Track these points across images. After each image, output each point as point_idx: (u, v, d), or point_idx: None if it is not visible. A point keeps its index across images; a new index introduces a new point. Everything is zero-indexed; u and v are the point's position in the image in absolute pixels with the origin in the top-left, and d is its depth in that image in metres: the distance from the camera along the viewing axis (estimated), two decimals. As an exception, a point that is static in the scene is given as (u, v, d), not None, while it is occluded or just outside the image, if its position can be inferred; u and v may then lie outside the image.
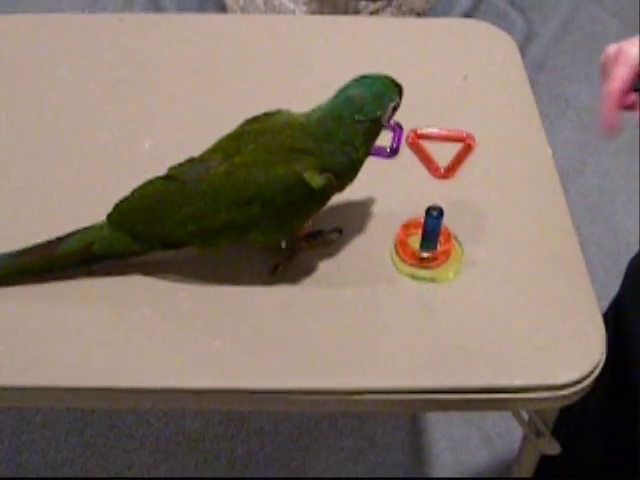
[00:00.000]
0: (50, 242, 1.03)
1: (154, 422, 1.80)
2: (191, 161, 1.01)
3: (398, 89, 1.02)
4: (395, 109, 1.03)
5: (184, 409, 1.77)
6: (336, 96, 1.01)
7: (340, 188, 1.02)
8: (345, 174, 1.01)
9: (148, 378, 0.95)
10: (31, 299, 1.01)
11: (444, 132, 1.22)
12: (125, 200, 1.02)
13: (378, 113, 1.00)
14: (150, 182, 1.01)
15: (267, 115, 1.02)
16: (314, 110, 1.01)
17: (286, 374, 0.95)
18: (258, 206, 0.97)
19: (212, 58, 1.35)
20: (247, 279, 1.03)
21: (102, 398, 0.96)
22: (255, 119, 1.02)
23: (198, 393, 0.95)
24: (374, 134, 1.02)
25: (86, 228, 1.03)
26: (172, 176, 1.00)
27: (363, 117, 0.99)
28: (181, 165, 1.01)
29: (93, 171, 1.15)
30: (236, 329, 0.99)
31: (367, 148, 1.01)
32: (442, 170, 1.16)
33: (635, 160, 2.38)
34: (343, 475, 1.73)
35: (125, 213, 1.02)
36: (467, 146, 1.20)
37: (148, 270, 1.04)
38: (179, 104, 1.26)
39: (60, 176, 1.15)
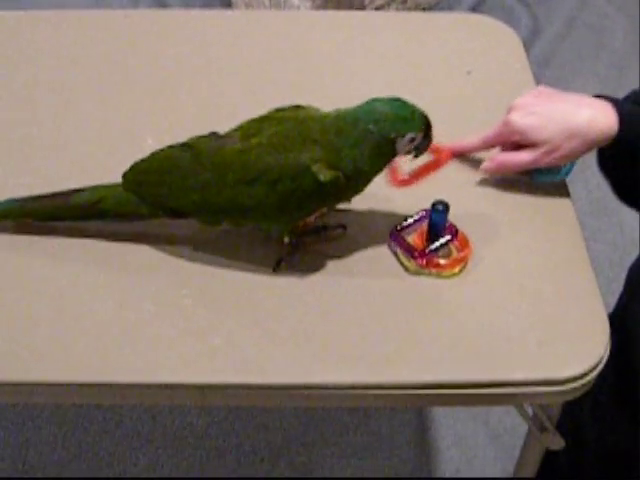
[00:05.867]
0: (65, 192, 1.07)
1: (160, 418, 1.80)
2: (212, 135, 1.02)
3: (425, 127, 1.00)
4: (413, 143, 1.00)
5: (189, 405, 1.77)
6: (364, 103, 1.00)
7: (345, 196, 1.02)
8: (351, 180, 0.99)
9: (151, 374, 0.95)
10: (33, 292, 1.02)
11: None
12: (142, 161, 1.04)
13: (392, 135, 0.98)
14: (168, 147, 1.03)
15: (296, 107, 1.03)
16: (339, 110, 1.01)
17: (290, 369, 0.95)
18: (262, 188, 0.97)
19: (217, 54, 1.35)
20: (250, 274, 1.03)
21: (105, 394, 0.96)
22: (283, 108, 1.03)
23: (201, 388, 0.95)
24: (384, 154, 0.99)
25: (101, 185, 1.06)
26: (189, 144, 1.02)
27: (375, 129, 0.97)
28: (202, 137, 1.03)
29: (96, 166, 1.15)
30: (239, 324, 0.99)
31: (374, 165, 1.00)
32: (405, 177, 1.13)
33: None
34: (349, 471, 1.74)
35: (139, 173, 1.04)
36: (437, 160, 1.15)
37: (151, 265, 1.05)
38: (183, 100, 1.27)
39: (62, 170, 1.15)
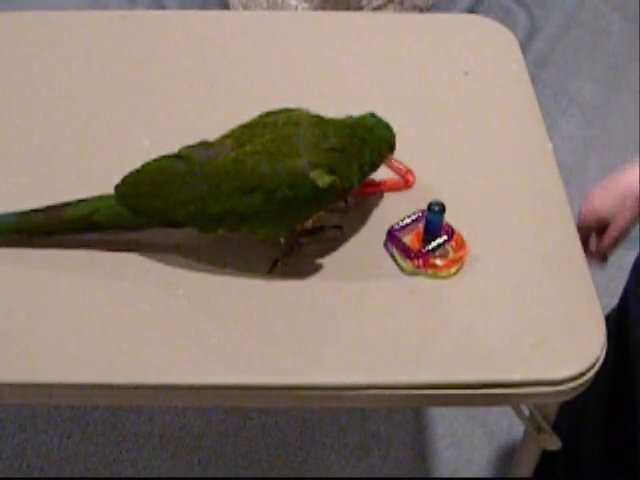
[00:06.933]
0: (58, 205, 1.06)
1: (157, 419, 1.80)
2: (204, 144, 1.02)
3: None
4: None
5: (186, 406, 1.77)
6: (365, 115, 1.07)
7: (342, 197, 1.04)
8: (347, 182, 1.01)
9: (147, 374, 0.95)
10: (30, 293, 1.02)
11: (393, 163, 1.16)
12: (134, 173, 1.03)
13: (392, 143, 1.08)
14: (160, 158, 1.02)
15: (286, 110, 1.03)
16: (337, 118, 1.04)
17: (285, 370, 0.95)
18: (260, 196, 0.97)
19: (214, 55, 1.35)
20: (246, 275, 1.03)
21: (100, 394, 0.96)
22: (273, 112, 1.03)
23: (197, 389, 0.95)
24: (382, 160, 1.08)
25: (94, 197, 1.05)
26: (182, 155, 1.01)
27: (390, 136, 1.07)
28: (193, 146, 1.02)
29: (93, 167, 1.15)
30: (235, 325, 0.99)
31: (369, 169, 1.06)
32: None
33: (637, 155, 2.37)
34: (346, 471, 1.74)
35: (131, 185, 1.03)
36: (405, 182, 1.15)
37: (147, 266, 1.05)
38: (181, 101, 1.26)
39: (59, 172, 1.15)
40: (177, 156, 1.01)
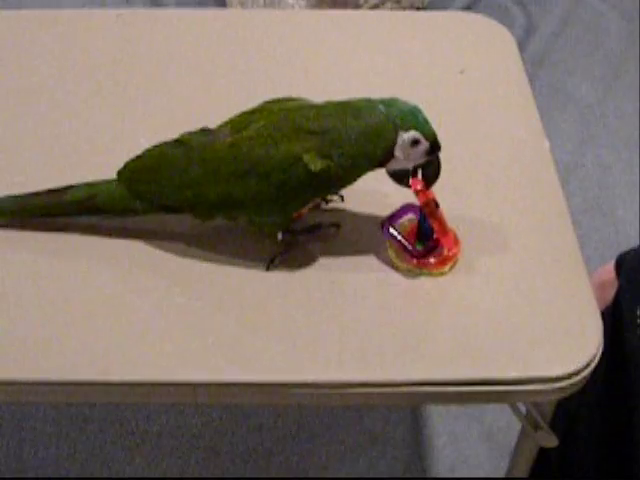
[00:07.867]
0: (59, 188, 1.07)
1: (155, 418, 1.80)
2: (203, 130, 1.03)
3: (433, 142, 0.97)
4: (416, 149, 0.96)
5: (183, 404, 1.77)
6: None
7: (338, 185, 1.02)
8: (344, 168, 0.99)
9: (143, 372, 0.95)
10: (24, 288, 1.02)
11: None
12: (136, 158, 1.04)
13: (397, 121, 0.96)
14: (161, 144, 1.04)
15: (286, 98, 1.04)
16: (333, 102, 1.01)
17: (283, 367, 0.95)
18: (254, 180, 0.98)
19: (211, 53, 1.35)
20: (243, 272, 1.03)
21: (96, 392, 0.96)
22: (274, 100, 1.04)
23: (193, 386, 0.95)
24: (382, 140, 0.96)
25: (95, 181, 1.06)
26: (181, 141, 1.02)
27: (383, 110, 0.96)
28: (192, 133, 1.03)
29: (89, 165, 1.15)
30: (232, 322, 0.99)
31: (371, 148, 0.97)
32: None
33: (635, 154, 2.38)
34: (343, 470, 1.73)
35: (132, 171, 1.04)
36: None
37: (144, 263, 1.05)
38: (177, 99, 1.26)
39: (55, 172, 1.15)
40: (176, 141, 1.03)
